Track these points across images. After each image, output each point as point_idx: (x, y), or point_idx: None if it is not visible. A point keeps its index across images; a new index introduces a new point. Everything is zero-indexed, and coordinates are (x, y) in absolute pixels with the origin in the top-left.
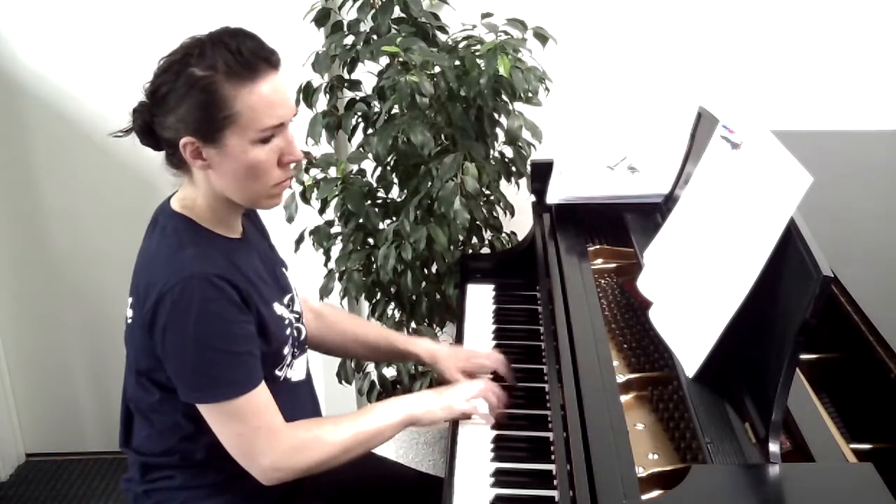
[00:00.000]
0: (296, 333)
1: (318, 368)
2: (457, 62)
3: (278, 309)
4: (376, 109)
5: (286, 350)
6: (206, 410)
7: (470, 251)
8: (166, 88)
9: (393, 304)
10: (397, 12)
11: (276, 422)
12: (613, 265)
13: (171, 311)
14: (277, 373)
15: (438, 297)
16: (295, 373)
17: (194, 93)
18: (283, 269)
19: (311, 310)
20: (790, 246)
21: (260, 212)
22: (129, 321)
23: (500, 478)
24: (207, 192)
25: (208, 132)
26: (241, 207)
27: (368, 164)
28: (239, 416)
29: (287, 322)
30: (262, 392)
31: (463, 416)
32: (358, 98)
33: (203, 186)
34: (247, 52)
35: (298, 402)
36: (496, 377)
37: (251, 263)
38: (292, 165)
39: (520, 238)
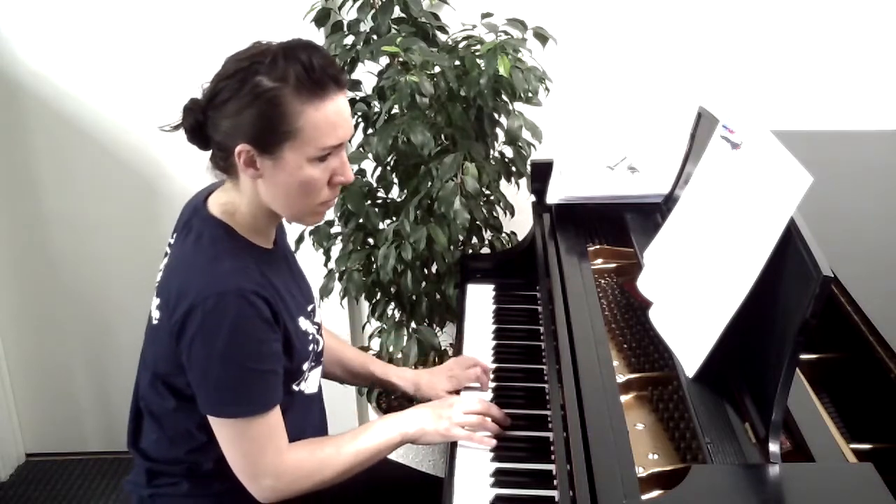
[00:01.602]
0: (316, 347)
1: None
2: (457, 62)
3: (303, 324)
4: (376, 109)
5: (305, 366)
6: (216, 424)
7: (470, 251)
8: (228, 94)
9: (393, 304)
10: (397, 12)
11: (282, 445)
12: (613, 265)
13: (201, 324)
14: (294, 387)
15: (438, 297)
16: (309, 385)
17: (259, 103)
18: (306, 278)
19: None
20: (790, 246)
21: None
22: (155, 322)
23: (500, 478)
24: (252, 200)
25: (267, 143)
26: (280, 218)
27: (368, 164)
28: (249, 436)
29: (311, 337)
30: (276, 413)
31: (458, 439)
32: (358, 98)
33: (249, 194)
34: (318, 69)
35: (309, 415)
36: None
37: (282, 276)
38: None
39: (520, 238)
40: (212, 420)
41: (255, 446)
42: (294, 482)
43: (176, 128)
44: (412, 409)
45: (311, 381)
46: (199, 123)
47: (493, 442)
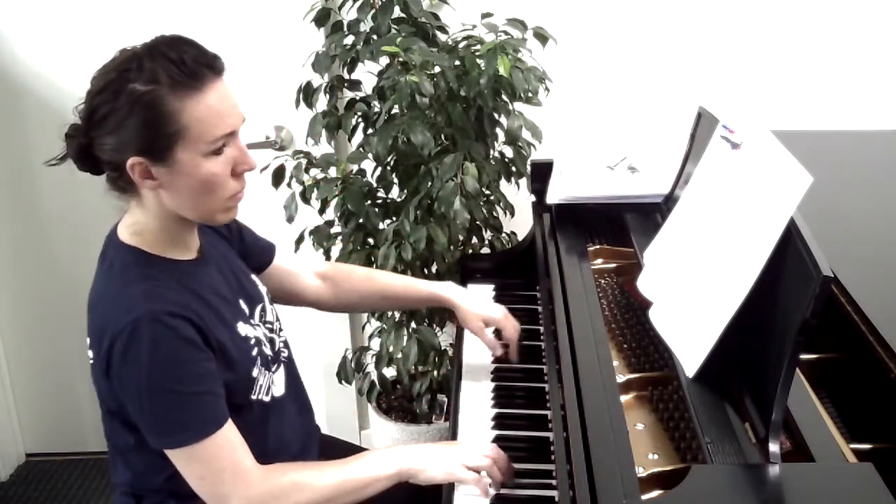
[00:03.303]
0: (266, 350)
1: (318, 368)
2: (457, 62)
3: (243, 329)
4: (376, 109)
5: (255, 372)
6: (168, 454)
7: (470, 251)
8: (106, 109)
9: None
10: (397, 12)
11: (243, 464)
12: (613, 265)
13: (122, 357)
14: (252, 397)
15: None
16: (276, 388)
17: (138, 110)
18: (252, 277)
19: (321, 276)
20: (790, 246)
21: (250, 214)
22: (91, 362)
23: None
24: (159, 212)
25: (157, 150)
26: (195, 225)
27: (368, 164)
28: (200, 460)
29: (253, 341)
30: (226, 433)
31: (462, 482)
32: (358, 98)
33: (154, 207)
34: (190, 61)
35: (285, 418)
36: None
37: (210, 284)
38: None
39: (520, 238)
40: (165, 452)
41: (210, 470)
42: (264, 503)
43: (62, 159)
44: (414, 445)
45: (277, 384)
46: (84, 147)
47: (493, 492)
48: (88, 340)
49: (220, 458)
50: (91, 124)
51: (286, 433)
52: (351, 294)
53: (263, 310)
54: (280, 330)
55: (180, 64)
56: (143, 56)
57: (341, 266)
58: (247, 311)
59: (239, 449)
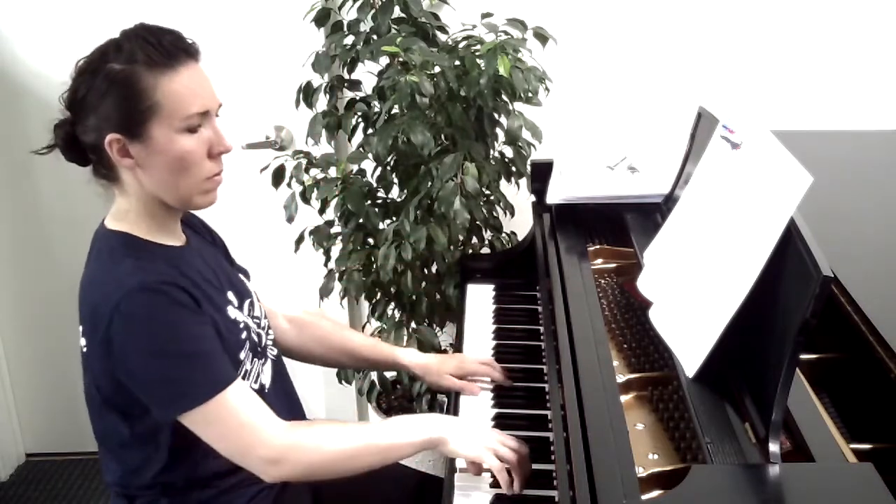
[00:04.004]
0: (255, 338)
1: (318, 368)
2: (457, 62)
3: (232, 313)
4: (376, 109)
5: (242, 355)
6: (185, 421)
7: (470, 251)
8: (85, 89)
9: (393, 304)
10: (397, 12)
11: (261, 417)
12: (613, 265)
13: (122, 330)
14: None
15: (438, 297)
16: (264, 377)
17: (114, 87)
18: (241, 276)
19: (289, 319)
20: (790, 246)
21: (250, 214)
22: (84, 350)
23: None
24: (141, 195)
25: (132, 126)
26: (178, 212)
27: (368, 164)
28: (216, 419)
29: (242, 325)
30: (236, 389)
31: (483, 467)
32: (358, 98)
33: (135, 190)
34: (167, 43)
35: (273, 410)
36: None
37: (197, 269)
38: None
39: (520, 238)
40: (181, 420)
41: (226, 427)
42: (288, 456)
43: (51, 148)
44: (443, 416)
45: (265, 374)
46: (70, 135)
47: (513, 491)
48: (81, 328)
49: (235, 416)
50: (73, 108)
51: None
52: (313, 343)
53: (252, 305)
54: (268, 328)
55: (157, 45)
56: (122, 40)
57: (310, 314)
58: (235, 301)
59: (254, 405)
